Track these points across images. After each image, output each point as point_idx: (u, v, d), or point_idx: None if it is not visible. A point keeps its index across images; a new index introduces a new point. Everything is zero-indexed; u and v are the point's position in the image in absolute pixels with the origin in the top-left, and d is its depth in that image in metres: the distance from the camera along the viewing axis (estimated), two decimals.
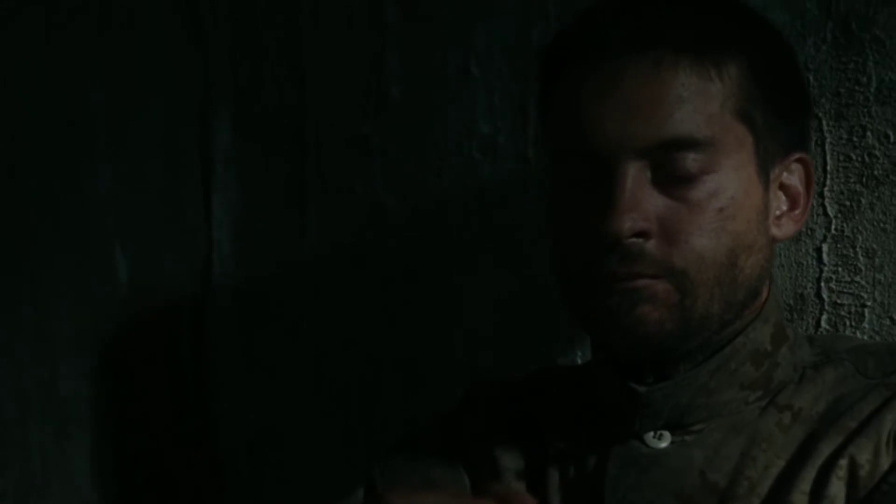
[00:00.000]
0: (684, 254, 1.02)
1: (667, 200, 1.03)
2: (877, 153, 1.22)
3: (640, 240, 1.02)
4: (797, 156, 1.10)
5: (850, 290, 1.23)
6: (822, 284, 1.25)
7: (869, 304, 1.23)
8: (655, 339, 1.03)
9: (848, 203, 1.23)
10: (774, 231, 1.09)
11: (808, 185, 1.10)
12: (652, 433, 1.07)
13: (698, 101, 1.02)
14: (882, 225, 1.22)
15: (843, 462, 1.02)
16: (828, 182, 1.23)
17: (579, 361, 1.35)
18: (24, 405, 1.82)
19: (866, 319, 1.22)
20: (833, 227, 1.24)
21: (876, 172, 1.22)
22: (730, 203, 1.03)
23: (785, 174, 1.09)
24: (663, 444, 1.07)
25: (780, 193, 1.09)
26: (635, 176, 1.02)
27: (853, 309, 1.23)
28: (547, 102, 1.10)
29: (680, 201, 1.03)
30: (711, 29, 1.05)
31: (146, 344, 1.72)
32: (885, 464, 1.01)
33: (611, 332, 1.05)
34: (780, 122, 1.07)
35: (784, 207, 1.10)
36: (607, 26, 1.05)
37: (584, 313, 1.08)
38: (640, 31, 1.03)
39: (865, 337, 1.22)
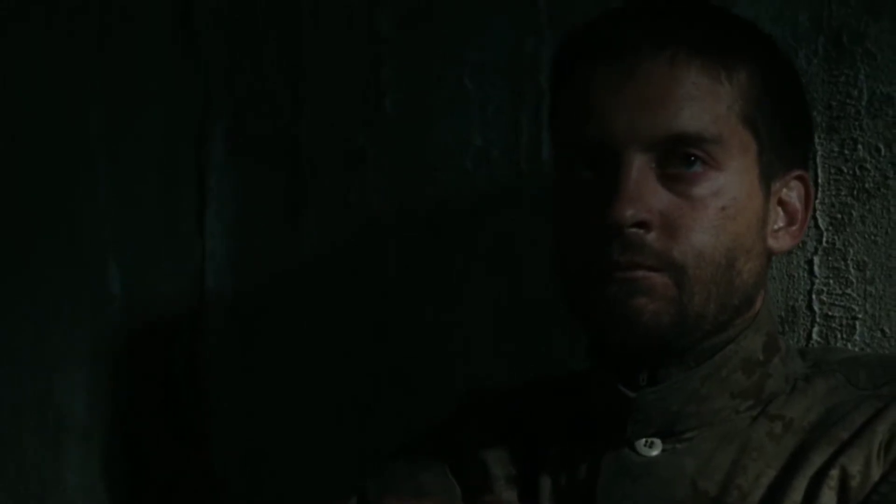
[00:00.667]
0: (684, 249, 1.04)
1: (670, 195, 1.04)
2: (868, 166, 1.23)
3: (641, 231, 1.03)
4: (797, 173, 1.11)
5: (842, 303, 1.24)
6: (814, 297, 1.25)
7: (860, 316, 1.23)
8: (652, 331, 1.04)
9: (839, 216, 1.24)
10: (771, 243, 1.10)
11: (806, 203, 1.12)
12: (643, 441, 1.07)
13: (707, 100, 1.05)
14: (873, 237, 1.23)
15: (835, 472, 1.02)
16: (819, 195, 1.24)
17: (574, 370, 1.35)
18: (19, 417, 1.81)
19: (857, 331, 1.23)
20: (824, 239, 1.25)
21: (867, 185, 1.22)
22: (732, 203, 1.05)
23: (784, 190, 1.10)
24: (655, 452, 1.07)
25: (779, 209, 1.11)
26: (641, 168, 1.04)
27: (844, 321, 1.24)
28: (558, 96, 1.12)
29: (683, 197, 1.04)
30: (725, 36, 1.08)
31: (141, 356, 1.72)
32: (876, 474, 1.02)
33: (607, 323, 1.05)
34: (783, 138, 1.09)
35: (781, 223, 1.11)
36: (625, 24, 1.07)
37: (582, 306, 1.08)
38: (656, 30, 1.05)
39: (857, 349, 1.22)
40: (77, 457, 1.76)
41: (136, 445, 1.72)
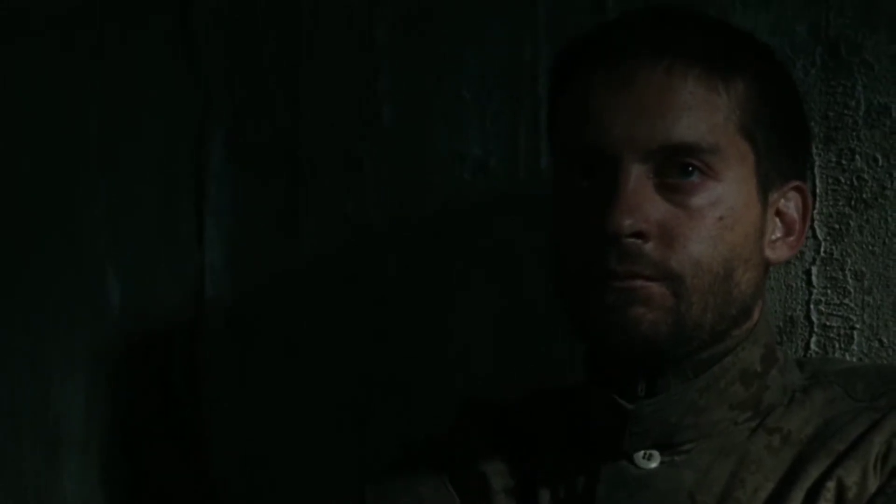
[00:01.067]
0: (681, 259, 1.04)
1: (667, 205, 1.04)
2: (865, 176, 1.23)
3: (639, 241, 1.03)
4: (795, 184, 1.12)
5: (840, 313, 1.24)
6: (812, 307, 1.25)
7: (858, 326, 1.23)
8: (649, 340, 1.04)
9: (837, 226, 1.24)
10: (769, 253, 1.10)
11: (804, 214, 1.12)
12: (641, 453, 1.08)
13: (704, 109, 1.05)
14: (871, 248, 1.23)
15: (831, 484, 1.02)
16: (817, 205, 1.24)
17: (573, 378, 1.35)
18: (17, 424, 1.81)
19: (855, 342, 1.23)
20: (822, 249, 1.25)
21: (865, 195, 1.23)
22: (729, 213, 1.05)
23: (782, 201, 1.11)
24: (653, 465, 1.07)
25: (777, 219, 1.11)
26: (638, 177, 1.04)
27: (842, 331, 1.24)
28: (556, 101, 1.13)
29: (680, 207, 1.04)
30: (723, 46, 1.08)
31: (139, 365, 1.72)
32: (872, 486, 1.02)
33: (605, 330, 1.06)
34: (781, 148, 1.10)
35: (779, 233, 1.11)
36: (624, 32, 1.08)
37: (580, 314, 1.09)
38: (655, 38, 1.06)
39: (855, 359, 1.23)
40: (75, 464, 1.76)
41: (135, 452, 1.72)
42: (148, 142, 1.73)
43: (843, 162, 1.24)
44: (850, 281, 1.24)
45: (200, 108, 1.68)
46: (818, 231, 1.25)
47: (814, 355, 1.24)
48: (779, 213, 1.11)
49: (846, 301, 1.24)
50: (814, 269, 1.25)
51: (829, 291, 1.25)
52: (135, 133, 1.74)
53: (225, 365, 1.66)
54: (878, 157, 1.22)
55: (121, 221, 1.74)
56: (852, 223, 1.23)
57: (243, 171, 1.65)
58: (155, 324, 1.70)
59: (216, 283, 1.66)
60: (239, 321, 1.64)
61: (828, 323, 1.25)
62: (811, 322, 1.25)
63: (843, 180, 1.24)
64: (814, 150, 1.24)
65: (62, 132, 1.79)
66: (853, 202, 1.23)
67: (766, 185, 1.09)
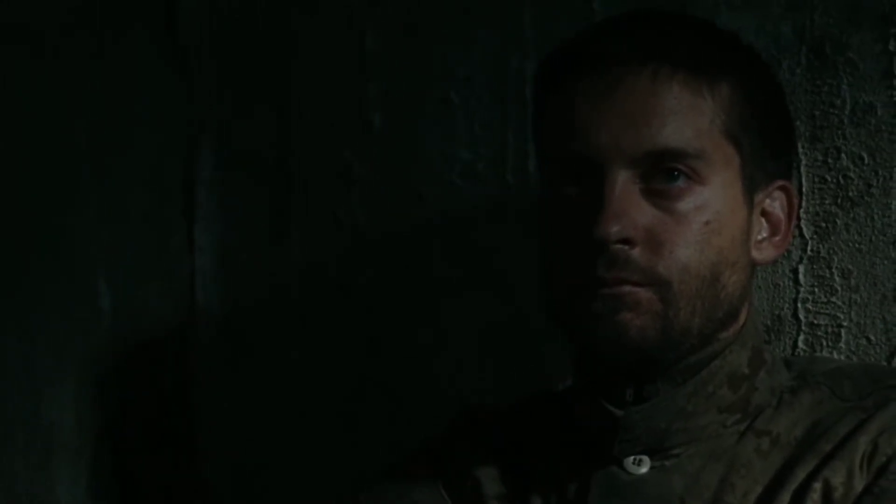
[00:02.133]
0: (669, 264, 1.04)
1: (654, 211, 1.05)
2: (851, 175, 1.23)
3: (626, 247, 1.04)
4: (780, 183, 1.12)
5: (827, 311, 1.25)
6: (799, 305, 1.26)
7: (845, 324, 1.24)
8: (638, 346, 1.05)
9: (824, 224, 1.25)
10: (755, 254, 1.10)
11: (789, 213, 1.12)
12: (632, 459, 1.08)
13: (689, 114, 1.05)
14: (857, 245, 1.23)
15: (818, 485, 1.03)
16: (803, 204, 1.24)
17: (563, 385, 1.35)
18: (8, 433, 1.81)
19: (843, 339, 1.24)
20: (809, 248, 1.25)
21: (851, 194, 1.23)
22: (716, 217, 1.05)
23: (767, 201, 1.11)
24: (643, 470, 1.08)
25: (762, 219, 1.11)
26: (624, 184, 1.04)
27: (830, 329, 1.24)
28: (542, 108, 1.13)
29: (667, 212, 1.05)
30: (708, 50, 1.08)
31: (130, 372, 1.72)
32: (858, 486, 1.03)
33: (593, 337, 1.06)
34: (766, 150, 1.10)
35: (765, 234, 1.11)
36: (609, 38, 1.08)
37: (568, 321, 1.09)
38: (640, 44, 1.06)
39: (842, 357, 1.23)
40: (67, 473, 1.76)
41: (127, 461, 1.72)
42: (139, 149, 1.73)
43: (829, 160, 1.24)
44: (837, 279, 1.24)
45: (191, 115, 1.68)
46: (805, 230, 1.25)
47: (801, 354, 1.25)
48: (764, 214, 1.11)
49: (833, 299, 1.24)
50: (801, 268, 1.26)
51: (816, 290, 1.25)
52: (126, 140, 1.74)
53: (216, 372, 1.66)
54: (864, 155, 1.23)
55: (112, 231, 1.73)
56: (839, 221, 1.24)
57: (233, 177, 1.65)
58: (146, 331, 1.70)
59: (207, 291, 1.66)
60: (230, 328, 1.65)
61: (815, 321, 1.25)
62: (799, 320, 1.26)
63: (829, 179, 1.24)
64: (800, 149, 1.24)
65: (52, 143, 1.79)
66: (839, 200, 1.24)
67: (751, 186, 1.09)
